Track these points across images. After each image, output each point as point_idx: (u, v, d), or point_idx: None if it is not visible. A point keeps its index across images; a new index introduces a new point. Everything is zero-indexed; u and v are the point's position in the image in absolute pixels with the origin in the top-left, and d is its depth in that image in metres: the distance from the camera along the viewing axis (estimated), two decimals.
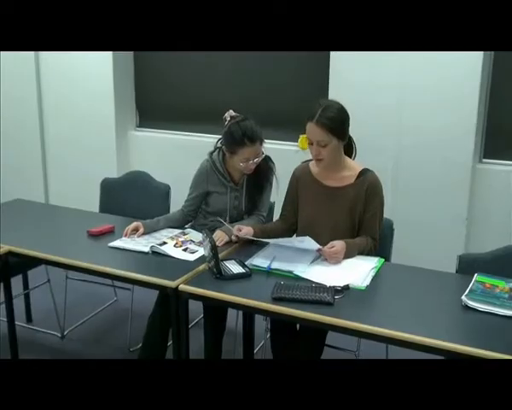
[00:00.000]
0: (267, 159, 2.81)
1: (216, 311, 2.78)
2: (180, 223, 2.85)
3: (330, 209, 2.53)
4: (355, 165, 2.57)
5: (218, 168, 2.77)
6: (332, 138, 2.40)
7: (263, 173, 2.80)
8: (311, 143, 2.45)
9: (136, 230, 2.67)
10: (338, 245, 2.35)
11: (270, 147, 3.95)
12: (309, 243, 2.35)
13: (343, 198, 2.51)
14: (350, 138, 2.57)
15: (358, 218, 2.51)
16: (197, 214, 2.90)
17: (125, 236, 2.63)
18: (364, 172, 2.52)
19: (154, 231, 2.72)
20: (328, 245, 2.35)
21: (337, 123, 2.40)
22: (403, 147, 3.54)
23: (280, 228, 2.67)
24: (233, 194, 2.81)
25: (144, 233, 2.66)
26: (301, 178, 2.65)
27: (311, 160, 2.60)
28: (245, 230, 2.55)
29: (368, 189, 2.49)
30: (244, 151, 2.63)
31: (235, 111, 2.75)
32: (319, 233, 2.47)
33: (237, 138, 2.62)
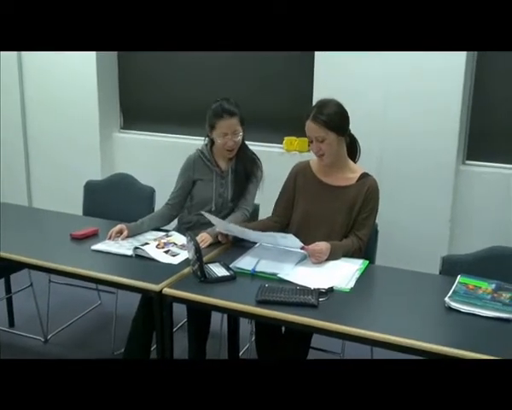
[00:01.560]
0: (254, 155, 2.91)
1: (200, 315, 2.77)
2: (165, 219, 2.85)
3: (329, 207, 2.55)
4: (357, 167, 2.62)
5: (204, 155, 2.85)
6: (329, 133, 2.45)
7: (249, 164, 2.86)
8: (311, 141, 2.52)
9: (120, 232, 2.65)
10: (323, 245, 2.35)
11: (255, 149, 3.97)
12: (292, 240, 2.35)
13: (343, 198, 2.53)
14: (354, 141, 2.64)
15: (354, 219, 2.53)
16: (182, 209, 2.90)
17: (110, 238, 2.61)
18: (366, 176, 2.57)
19: (139, 233, 2.71)
20: (313, 244, 2.36)
21: (333, 118, 2.47)
22: (386, 149, 3.56)
23: (271, 226, 2.66)
24: (219, 181, 2.84)
25: (128, 236, 2.65)
26: (300, 174, 2.68)
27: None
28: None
29: (367, 191, 2.52)
30: (222, 124, 2.73)
31: None
32: (315, 230, 2.51)
33: (216, 111, 2.75)
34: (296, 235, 2.38)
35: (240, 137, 2.79)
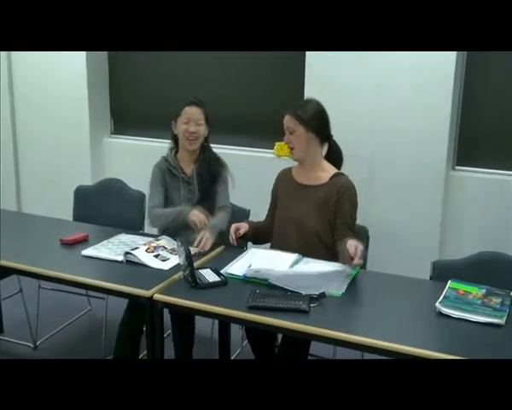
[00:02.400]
0: (216, 155, 2.95)
1: (183, 321, 2.75)
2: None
3: (300, 207, 2.59)
4: (330, 168, 2.62)
5: (169, 162, 2.89)
6: (299, 126, 2.53)
7: (212, 164, 2.90)
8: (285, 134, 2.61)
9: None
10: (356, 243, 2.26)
11: (246, 154, 3.98)
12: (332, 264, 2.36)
13: (313, 196, 2.57)
14: (337, 149, 2.68)
15: (330, 220, 2.53)
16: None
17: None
18: (338, 175, 2.59)
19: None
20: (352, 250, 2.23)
21: (307, 113, 2.54)
22: (377, 155, 3.57)
23: (267, 226, 2.73)
24: (186, 187, 2.86)
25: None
26: (282, 180, 2.75)
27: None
28: (242, 229, 2.63)
29: (340, 191, 2.52)
30: (187, 110, 2.86)
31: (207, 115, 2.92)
32: (288, 229, 2.57)
33: (184, 103, 2.88)
34: (276, 239, 2.46)
35: (202, 129, 2.86)
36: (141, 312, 2.27)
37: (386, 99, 3.50)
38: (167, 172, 2.88)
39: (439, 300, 2.06)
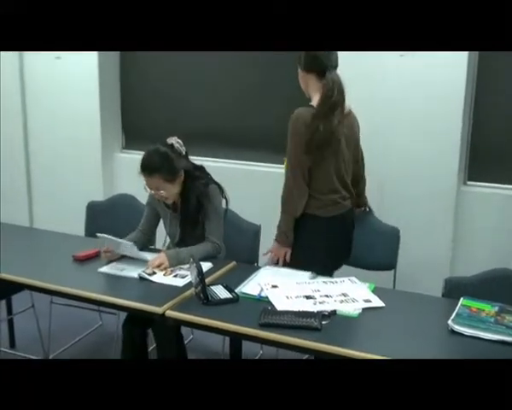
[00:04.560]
0: (201, 187, 2.70)
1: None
2: (140, 244, 2.77)
3: None
4: None
5: None
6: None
7: (194, 197, 2.68)
8: None
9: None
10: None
11: (256, 169, 3.98)
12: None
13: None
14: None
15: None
16: (154, 232, 2.90)
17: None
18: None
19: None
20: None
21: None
22: (387, 171, 3.56)
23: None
24: (173, 216, 2.79)
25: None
26: None
27: None
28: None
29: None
30: (145, 179, 2.63)
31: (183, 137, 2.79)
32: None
33: (140, 164, 2.64)
34: None
35: (164, 193, 2.63)
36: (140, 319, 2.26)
37: (396, 113, 3.51)
38: (161, 201, 2.78)
39: (452, 317, 2.05)
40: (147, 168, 2.59)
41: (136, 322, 2.57)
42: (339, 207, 2.73)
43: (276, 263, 2.73)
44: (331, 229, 2.72)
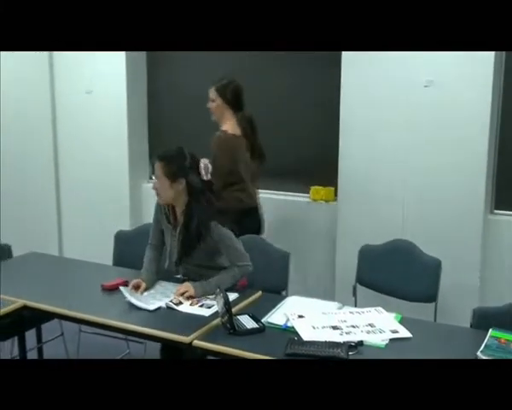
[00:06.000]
0: (204, 213, 2.65)
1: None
2: (158, 259, 2.84)
3: None
4: None
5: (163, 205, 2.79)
6: None
7: (195, 221, 2.63)
8: None
9: (137, 287, 2.65)
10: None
11: (282, 198, 4.01)
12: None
13: None
14: None
15: None
16: (163, 244, 2.87)
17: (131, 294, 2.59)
18: None
19: (153, 283, 2.72)
20: None
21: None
22: (411, 198, 3.56)
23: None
24: (173, 235, 2.77)
25: (147, 288, 2.66)
26: None
27: None
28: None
29: None
30: None
31: None
32: None
33: None
34: None
35: (159, 186, 2.66)
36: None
37: (419, 141, 3.51)
38: (164, 213, 2.80)
39: (481, 349, 2.02)
40: (159, 154, 2.72)
41: (171, 348, 2.58)
42: None
43: None
44: None
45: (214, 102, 3.42)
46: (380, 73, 3.56)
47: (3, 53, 4.38)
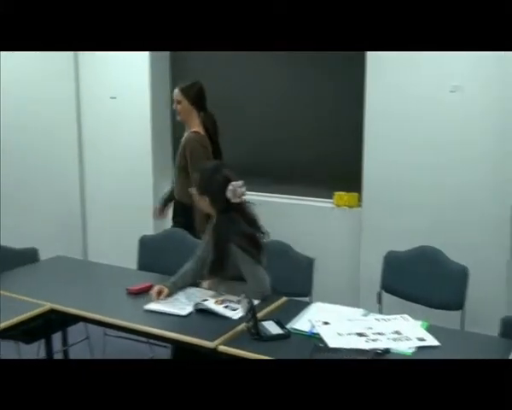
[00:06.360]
0: (225, 229, 2.61)
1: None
2: (196, 274, 2.81)
3: None
4: None
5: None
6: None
7: (217, 235, 2.64)
8: None
9: (159, 293, 2.64)
10: None
11: (306, 204, 4.00)
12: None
13: None
14: None
15: None
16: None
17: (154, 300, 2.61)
18: None
19: (176, 292, 2.71)
20: None
21: None
22: (438, 206, 3.53)
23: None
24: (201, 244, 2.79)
25: (169, 295, 2.66)
26: None
27: None
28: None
29: None
30: None
31: None
32: None
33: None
34: None
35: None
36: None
37: (444, 140, 3.49)
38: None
39: (510, 357, 1.99)
40: (200, 165, 2.89)
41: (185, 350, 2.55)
42: None
43: None
44: None
45: (180, 103, 3.55)
46: (405, 76, 3.55)
47: (30, 53, 4.41)
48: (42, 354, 2.73)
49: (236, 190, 2.59)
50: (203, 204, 2.68)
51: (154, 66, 4.59)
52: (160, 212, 3.83)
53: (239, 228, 2.61)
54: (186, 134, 3.59)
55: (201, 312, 2.47)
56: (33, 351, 2.98)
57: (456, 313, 2.83)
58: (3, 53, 4.11)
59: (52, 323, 2.66)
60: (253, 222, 2.67)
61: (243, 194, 2.62)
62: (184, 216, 3.50)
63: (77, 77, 4.90)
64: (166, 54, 4.73)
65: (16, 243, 3.30)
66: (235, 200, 2.60)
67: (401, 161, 3.60)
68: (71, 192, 4.99)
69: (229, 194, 2.59)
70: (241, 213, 2.65)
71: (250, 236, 2.62)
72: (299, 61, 4.09)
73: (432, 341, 2.17)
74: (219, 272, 2.65)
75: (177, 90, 3.57)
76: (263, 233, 2.68)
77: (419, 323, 2.34)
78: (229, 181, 2.61)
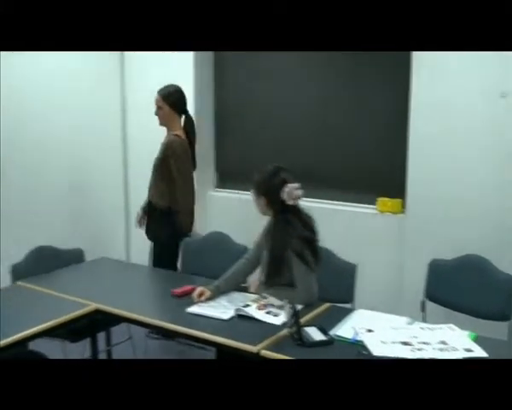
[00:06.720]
0: (281, 236, 2.60)
1: None
2: (241, 276, 2.81)
3: None
4: None
5: None
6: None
7: (275, 247, 2.62)
8: None
9: (201, 295, 2.66)
10: None
11: (349, 209, 3.96)
12: None
13: None
14: None
15: None
16: (258, 261, 2.80)
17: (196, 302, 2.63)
18: None
19: (222, 292, 2.72)
20: None
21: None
22: (485, 214, 3.45)
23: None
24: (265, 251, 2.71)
25: (211, 298, 2.66)
26: None
27: None
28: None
29: None
30: None
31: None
32: None
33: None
34: None
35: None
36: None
37: (492, 147, 3.41)
38: None
39: None
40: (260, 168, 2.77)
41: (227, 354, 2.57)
42: None
43: None
44: None
45: (161, 109, 3.67)
46: (452, 79, 3.48)
47: (77, 53, 4.48)
48: (87, 354, 2.78)
49: (292, 192, 2.60)
50: (260, 205, 2.71)
51: (197, 64, 4.62)
52: (141, 220, 3.89)
53: (295, 230, 2.61)
54: (167, 137, 3.70)
55: (243, 316, 2.48)
56: (78, 350, 3.04)
57: (502, 324, 2.76)
58: (49, 53, 4.15)
59: (97, 323, 2.71)
60: (309, 225, 2.67)
61: (299, 196, 2.63)
62: (158, 221, 3.65)
63: (122, 77, 4.98)
64: (210, 55, 4.75)
65: (63, 243, 3.38)
66: (290, 202, 2.61)
67: (446, 167, 3.53)
68: (114, 194, 5.07)
69: (284, 195, 2.60)
70: (298, 215, 2.65)
71: (307, 239, 2.62)
72: (342, 63, 4.07)
73: (480, 352, 2.11)
74: (275, 277, 2.64)
75: (157, 96, 3.68)
76: (318, 236, 2.67)
77: (466, 333, 2.29)
78: (285, 183, 2.62)
